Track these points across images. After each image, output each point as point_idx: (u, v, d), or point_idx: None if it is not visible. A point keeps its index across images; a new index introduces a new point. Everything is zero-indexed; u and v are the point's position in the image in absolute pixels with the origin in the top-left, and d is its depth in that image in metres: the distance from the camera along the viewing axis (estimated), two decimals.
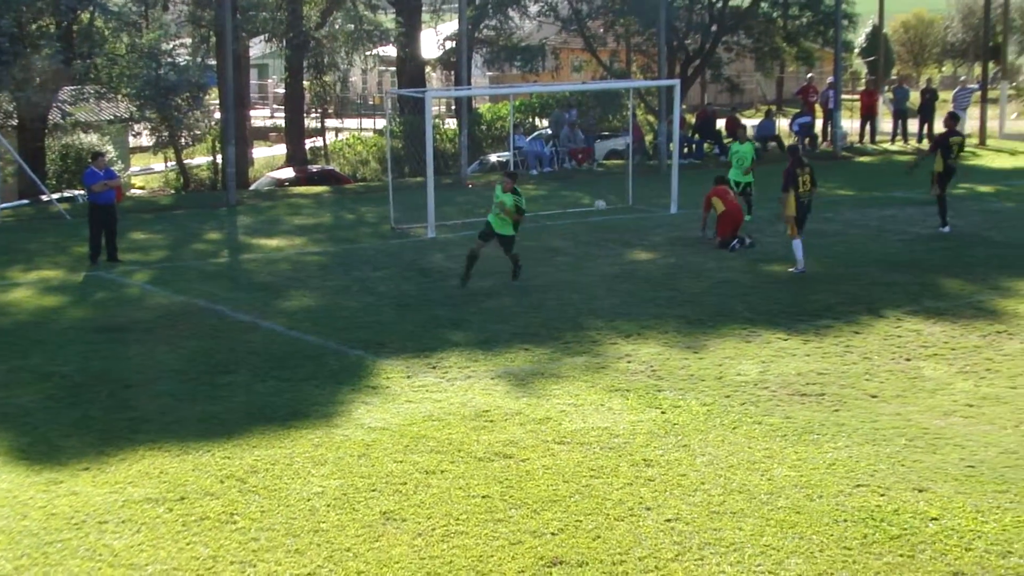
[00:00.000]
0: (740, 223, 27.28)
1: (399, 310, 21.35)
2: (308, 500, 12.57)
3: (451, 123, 50.67)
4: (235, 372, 17.47)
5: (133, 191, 47.47)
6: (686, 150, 44.55)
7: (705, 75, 54.73)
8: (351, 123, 65.77)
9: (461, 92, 39.90)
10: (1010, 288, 22.53)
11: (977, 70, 67.02)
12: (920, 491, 12.76)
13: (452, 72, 49.71)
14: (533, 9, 51.05)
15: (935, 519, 12.00)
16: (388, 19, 50.24)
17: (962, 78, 65.53)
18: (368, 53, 50.19)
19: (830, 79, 49.70)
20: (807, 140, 47.51)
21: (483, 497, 12.62)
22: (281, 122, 58.25)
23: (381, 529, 11.83)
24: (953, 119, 29.10)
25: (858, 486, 12.91)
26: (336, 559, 11.20)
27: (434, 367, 17.62)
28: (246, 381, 17.00)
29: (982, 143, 49.20)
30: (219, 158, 43.70)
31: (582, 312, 20.94)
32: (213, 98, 47.29)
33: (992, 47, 59.36)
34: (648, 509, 12.27)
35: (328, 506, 12.41)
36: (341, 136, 58.29)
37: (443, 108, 64.87)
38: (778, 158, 44.06)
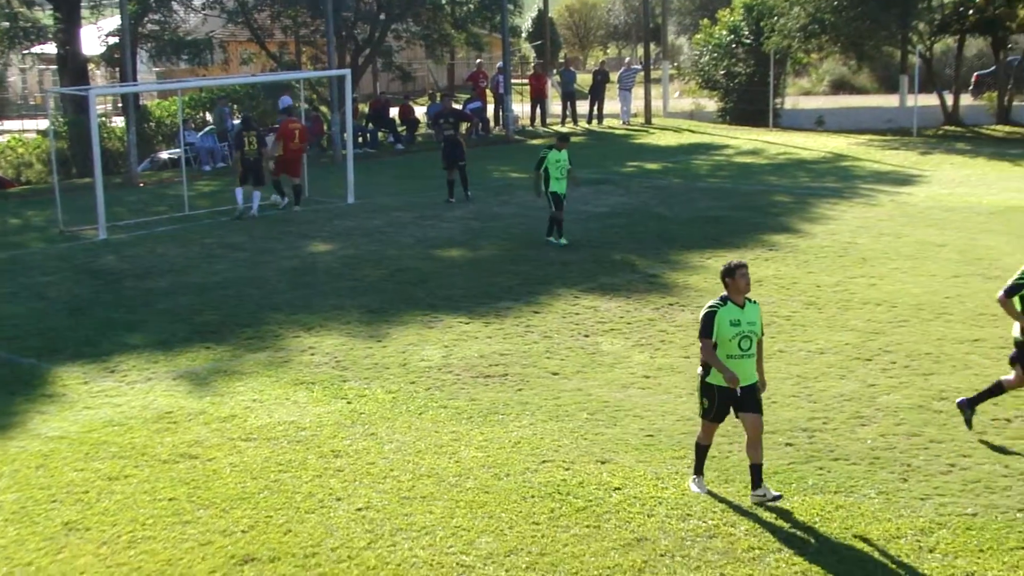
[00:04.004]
0: (296, 172, 31.17)
1: (72, 315, 20.69)
2: None
3: (118, 121, 49.36)
4: None
5: None
6: (361, 140, 44.50)
7: (376, 64, 54.72)
8: (12, 124, 63.38)
9: (127, 89, 38.89)
10: (679, 261, 23.30)
11: (640, 51, 68.96)
12: (603, 463, 13.09)
13: (117, 69, 48.38)
14: (198, 2, 50.11)
15: (618, 489, 12.33)
16: (46, 15, 48.50)
17: (627, 59, 67.25)
18: (26, 51, 48.35)
19: (499, 64, 50.40)
20: (480, 125, 48.03)
21: (170, 500, 12.38)
22: None
23: (64, 540, 11.47)
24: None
25: (544, 462, 13.16)
26: (17, 575, 10.80)
27: (112, 371, 17.16)
28: None
29: (648, 122, 50.68)
30: None
31: (263, 307, 20.72)
32: None
33: (653, 29, 61.23)
34: (338, 500, 12.25)
35: (6, 520, 11.96)
36: (2, 138, 56.13)
37: (109, 106, 63.13)
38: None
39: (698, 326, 12.25)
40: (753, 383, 12.10)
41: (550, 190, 25.23)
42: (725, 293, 12.15)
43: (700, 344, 12.19)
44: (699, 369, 12.35)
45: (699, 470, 12.47)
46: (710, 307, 12.15)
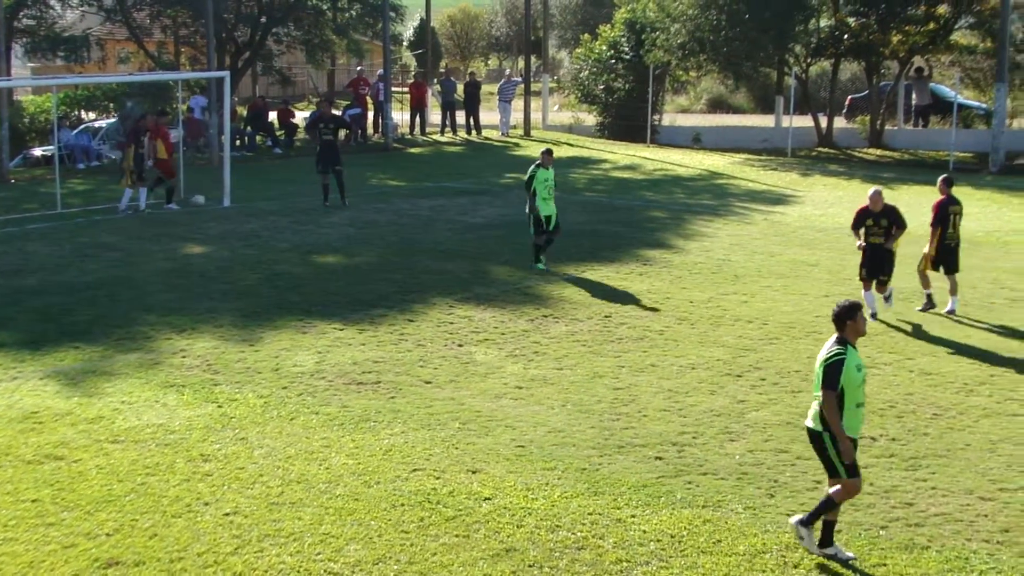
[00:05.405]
0: (172, 175, 31.40)
1: None
2: None
3: None
4: None
5: None
6: (239, 143, 44.16)
7: (256, 67, 54.39)
8: None
9: None
10: (555, 274, 23.40)
11: (521, 63, 69.23)
12: (474, 472, 13.10)
13: None
14: None
15: (488, 499, 12.35)
16: None
17: (507, 71, 67.54)
18: None
19: (380, 71, 50.29)
20: (359, 132, 47.85)
21: (33, 501, 12.17)
22: None
23: None
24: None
25: (414, 470, 13.14)
26: None
27: None
28: None
29: (527, 134, 50.83)
30: None
31: (135, 308, 20.45)
32: None
33: (534, 41, 61.48)
34: (206, 504, 12.13)
35: None
36: None
37: None
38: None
39: (820, 377, 11.02)
40: None
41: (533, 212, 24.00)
42: (839, 335, 11.15)
43: (824, 396, 10.95)
44: (810, 422, 11.31)
45: (832, 538, 11.23)
46: (837, 354, 10.98)
